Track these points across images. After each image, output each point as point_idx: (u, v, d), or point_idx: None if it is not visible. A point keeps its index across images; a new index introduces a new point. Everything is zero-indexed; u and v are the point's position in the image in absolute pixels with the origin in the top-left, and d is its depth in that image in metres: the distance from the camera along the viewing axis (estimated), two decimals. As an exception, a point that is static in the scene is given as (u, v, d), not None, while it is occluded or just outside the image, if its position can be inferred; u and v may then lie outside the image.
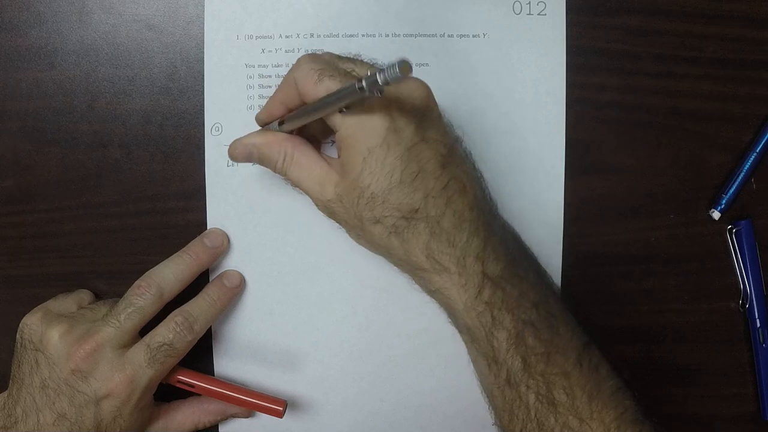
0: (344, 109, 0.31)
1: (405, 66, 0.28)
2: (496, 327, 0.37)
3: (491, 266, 0.37)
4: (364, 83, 0.30)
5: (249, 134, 0.40)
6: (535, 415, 0.37)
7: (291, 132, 0.40)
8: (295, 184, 0.39)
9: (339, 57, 0.39)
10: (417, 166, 0.36)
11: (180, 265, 0.43)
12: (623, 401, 0.37)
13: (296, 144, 0.39)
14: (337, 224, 0.39)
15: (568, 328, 0.38)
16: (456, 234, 0.36)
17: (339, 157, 0.37)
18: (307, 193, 0.39)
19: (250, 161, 0.40)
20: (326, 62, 0.37)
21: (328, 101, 0.34)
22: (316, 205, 0.39)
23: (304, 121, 0.37)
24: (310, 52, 0.45)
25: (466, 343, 0.40)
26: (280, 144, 0.39)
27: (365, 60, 0.39)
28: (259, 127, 0.41)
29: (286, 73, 0.38)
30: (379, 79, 0.29)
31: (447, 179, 0.36)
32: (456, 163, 0.37)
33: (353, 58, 0.39)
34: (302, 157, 0.39)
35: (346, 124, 0.36)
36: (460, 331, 0.39)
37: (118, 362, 0.40)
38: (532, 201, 0.47)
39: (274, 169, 0.39)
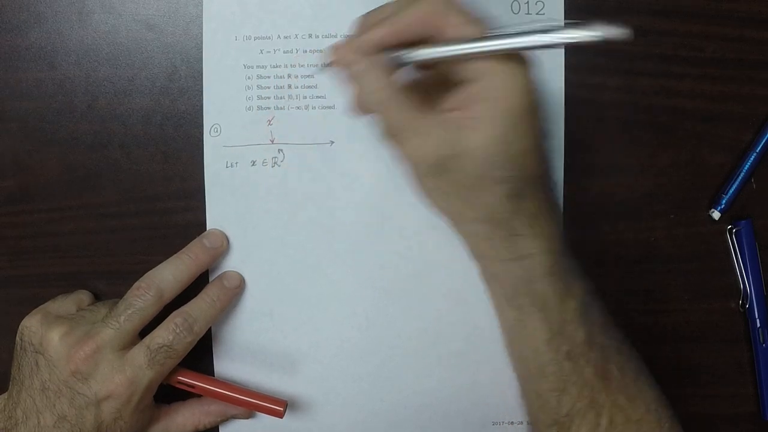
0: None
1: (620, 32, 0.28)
2: (568, 294, 0.37)
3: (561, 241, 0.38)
4: (571, 34, 0.30)
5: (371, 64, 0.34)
6: (590, 392, 0.37)
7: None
8: (405, 152, 0.35)
9: None
10: (543, 137, 0.35)
11: (179, 266, 0.43)
12: (654, 384, 0.39)
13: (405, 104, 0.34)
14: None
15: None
16: (556, 207, 0.38)
17: (468, 108, 0.34)
18: (416, 155, 0.35)
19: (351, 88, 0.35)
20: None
21: (514, 41, 0.31)
22: (424, 163, 0.35)
23: (441, 58, 0.33)
24: (308, 52, 0.45)
25: (520, 321, 0.38)
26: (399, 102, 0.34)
27: None
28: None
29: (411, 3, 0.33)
30: (581, 35, 0.30)
31: None
32: None
33: None
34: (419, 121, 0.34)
35: (496, 77, 0.33)
36: (522, 304, 0.37)
37: (118, 364, 0.40)
38: (532, 201, 0.47)
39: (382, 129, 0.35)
